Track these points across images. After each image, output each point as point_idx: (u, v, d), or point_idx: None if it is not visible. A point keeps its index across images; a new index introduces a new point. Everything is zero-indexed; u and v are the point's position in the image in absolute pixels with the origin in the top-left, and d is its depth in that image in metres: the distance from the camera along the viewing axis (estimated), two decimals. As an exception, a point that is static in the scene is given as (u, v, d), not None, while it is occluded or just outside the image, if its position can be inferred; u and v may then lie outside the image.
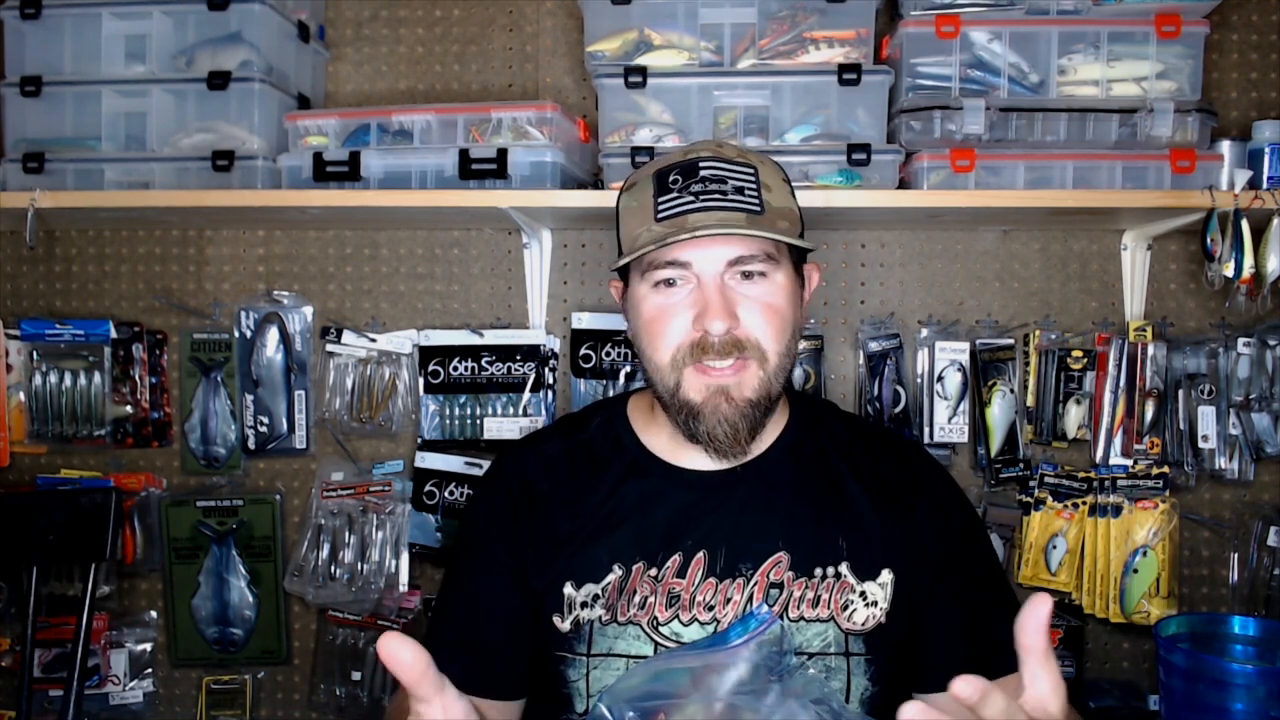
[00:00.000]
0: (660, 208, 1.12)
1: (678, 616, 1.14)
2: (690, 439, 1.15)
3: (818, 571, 1.14)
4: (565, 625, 1.15)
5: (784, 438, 1.23)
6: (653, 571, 1.15)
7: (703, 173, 1.13)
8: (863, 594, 1.14)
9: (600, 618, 1.14)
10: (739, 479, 1.19)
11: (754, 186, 1.13)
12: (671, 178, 1.14)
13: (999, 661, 1.13)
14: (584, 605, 1.15)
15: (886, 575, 1.15)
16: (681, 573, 1.15)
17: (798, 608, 1.13)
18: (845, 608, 1.14)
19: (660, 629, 1.13)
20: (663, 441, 1.22)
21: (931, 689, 1.16)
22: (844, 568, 1.15)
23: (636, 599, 1.14)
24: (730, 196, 1.11)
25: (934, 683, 1.17)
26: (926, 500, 1.21)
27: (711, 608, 1.14)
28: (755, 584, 1.14)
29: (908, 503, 1.20)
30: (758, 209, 1.11)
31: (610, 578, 1.15)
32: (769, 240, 1.11)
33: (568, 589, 1.16)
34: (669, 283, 1.12)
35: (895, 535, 1.17)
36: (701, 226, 1.08)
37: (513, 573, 1.19)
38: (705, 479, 1.19)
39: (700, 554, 1.15)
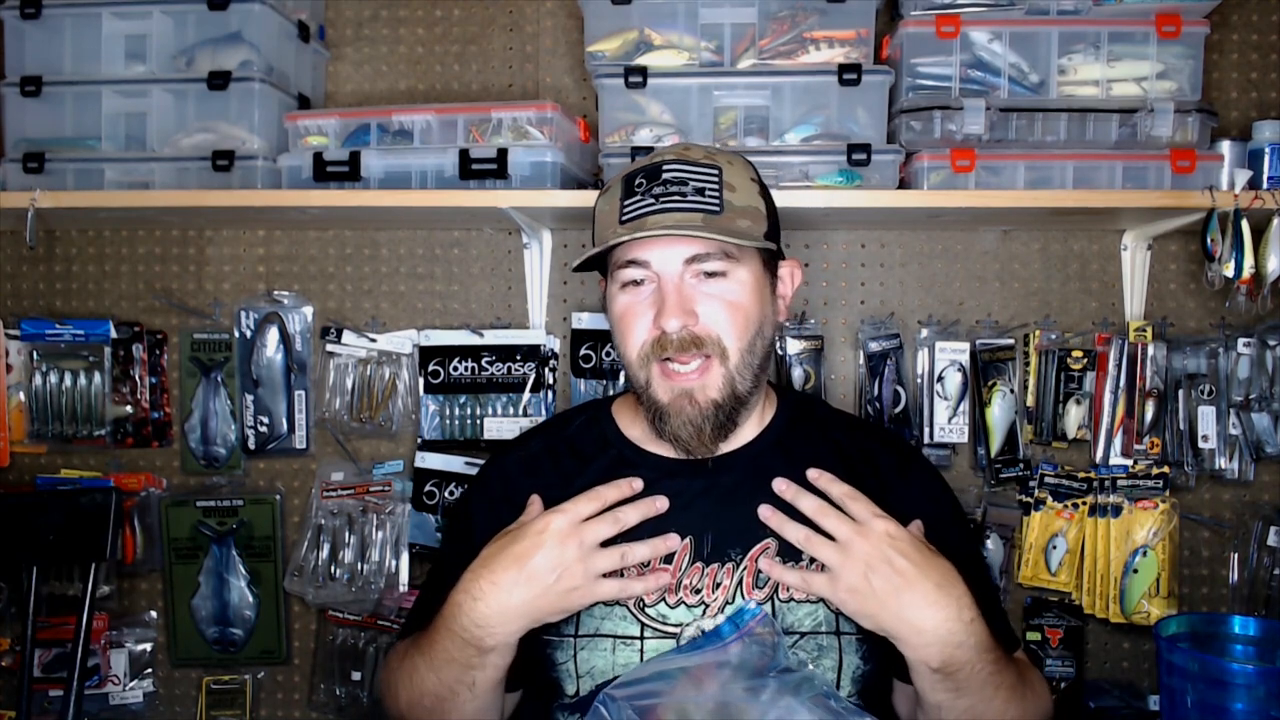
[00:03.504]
0: (624, 210, 1.17)
1: (664, 599, 1.16)
2: (660, 436, 1.19)
3: (804, 555, 1.16)
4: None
5: (771, 428, 1.26)
6: None
7: (665, 175, 1.16)
8: None
9: None
10: (725, 467, 1.21)
11: (715, 187, 1.16)
12: (637, 181, 1.18)
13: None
14: None
15: None
16: (668, 558, 1.16)
17: (787, 590, 1.15)
18: None
19: (647, 610, 1.15)
20: (649, 434, 1.24)
21: (900, 675, 1.19)
22: None
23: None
24: (689, 198, 1.15)
25: (900, 667, 1.19)
26: (909, 487, 1.24)
27: (699, 591, 1.16)
28: (744, 569, 1.16)
29: (891, 488, 1.22)
30: (716, 209, 1.15)
31: None
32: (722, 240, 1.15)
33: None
34: (635, 282, 1.17)
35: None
36: (657, 227, 1.12)
37: None
38: (691, 468, 1.21)
39: (686, 539, 1.17)
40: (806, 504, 1.13)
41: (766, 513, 1.15)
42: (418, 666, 1.16)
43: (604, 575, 1.11)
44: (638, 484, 1.16)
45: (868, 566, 1.07)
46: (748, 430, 1.24)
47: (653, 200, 1.15)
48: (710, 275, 1.15)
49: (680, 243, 1.14)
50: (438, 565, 1.32)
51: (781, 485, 1.15)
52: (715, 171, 1.18)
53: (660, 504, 1.15)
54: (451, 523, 1.33)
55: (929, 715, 1.13)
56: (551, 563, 1.08)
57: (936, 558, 1.10)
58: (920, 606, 1.06)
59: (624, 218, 1.16)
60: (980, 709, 1.10)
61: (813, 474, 1.16)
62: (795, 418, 1.28)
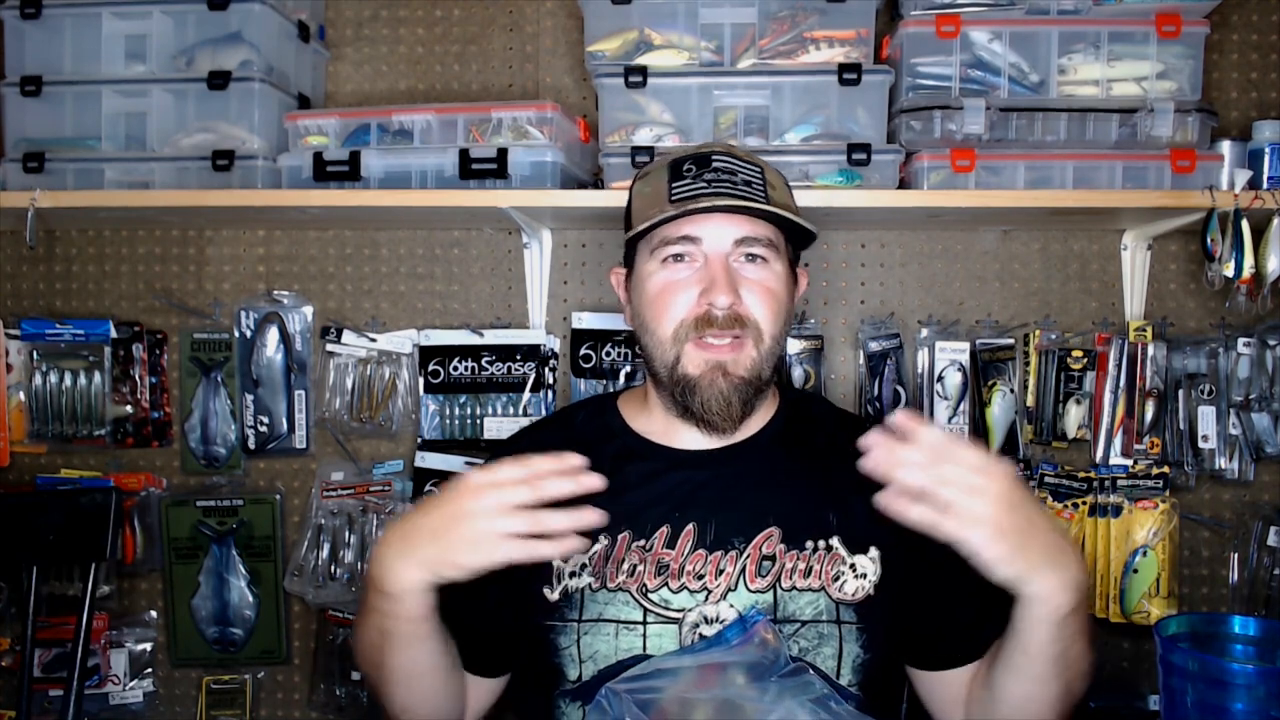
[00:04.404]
0: (674, 191, 1.19)
1: (666, 584, 1.16)
2: (684, 414, 1.20)
3: (809, 544, 1.17)
4: (554, 595, 1.17)
5: (774, 422, 1.27)
6: (640, 542, 1.18)
7: (715, 164, 1.20)
8: (853, 566, 1.17)
9: (590, 585, 1.17)
10: (731, 458, 1.23)
11: (760, 182, 1.20)
12: (686, 166, 1.21)
13: (992, 629, 1.15)
14: (572, 575, 1.18)
15: (875, 551, 1.18)
16: (671, 544, 1.17)
17: (790, 578, 1.16)
18: (836, 579, 1.16)
19: (649, 595, 1.16)
20: (655, 425, 1.26)
21: (931, 665, 1.21)
22: (835, 541, 1.18)
23: (625, 566, 1.17)
24: (739, 187, 1.18)
25: (930, 657, 1.21)
26: None
27: (701, 577, 1.16)
28: (748, 556, 1.16)
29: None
30: (763, 201, 1.18)
31: (596, 548, 1.18)
32: (773, 225, 1.18)
33: (556, 561, 1.18)
34: (677, 258, 1.19)
35: (881, 514, 1.19)
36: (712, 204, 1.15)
37: None
38: (696, 457, 1.23)
39: (689, 526, 1.18)
40: (910, 454, 0.97)
41: (871, 449, 0.98)
42: (358, 618, 1.18)
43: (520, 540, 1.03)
44: (576, 459, 1.07)
45: (1009, 506, 0.96)
46: (753, 423, 1.25)
47: (704, 185, 1.18)
48: (752, 260, 1.18)
49: (734, 222, 1.17)
50: None
51: (875, 438, 0.97)
52: (759, 169, 1.22)
53: (595, 481, 1.06)
54: None
55: (1025, 675, 1.07)
56: (459, 515, 1.03)
57: None
58: (1056, 545, 0.99)
59: (674, 197, 1.18)
60: (1082, 658, 1.06)
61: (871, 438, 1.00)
62: (795, 414, 1.30)
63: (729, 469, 1.22)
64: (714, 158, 1.21)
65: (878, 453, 0.96)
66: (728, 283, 1.15)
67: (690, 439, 1.23)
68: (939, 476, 0.95)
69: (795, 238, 1.25)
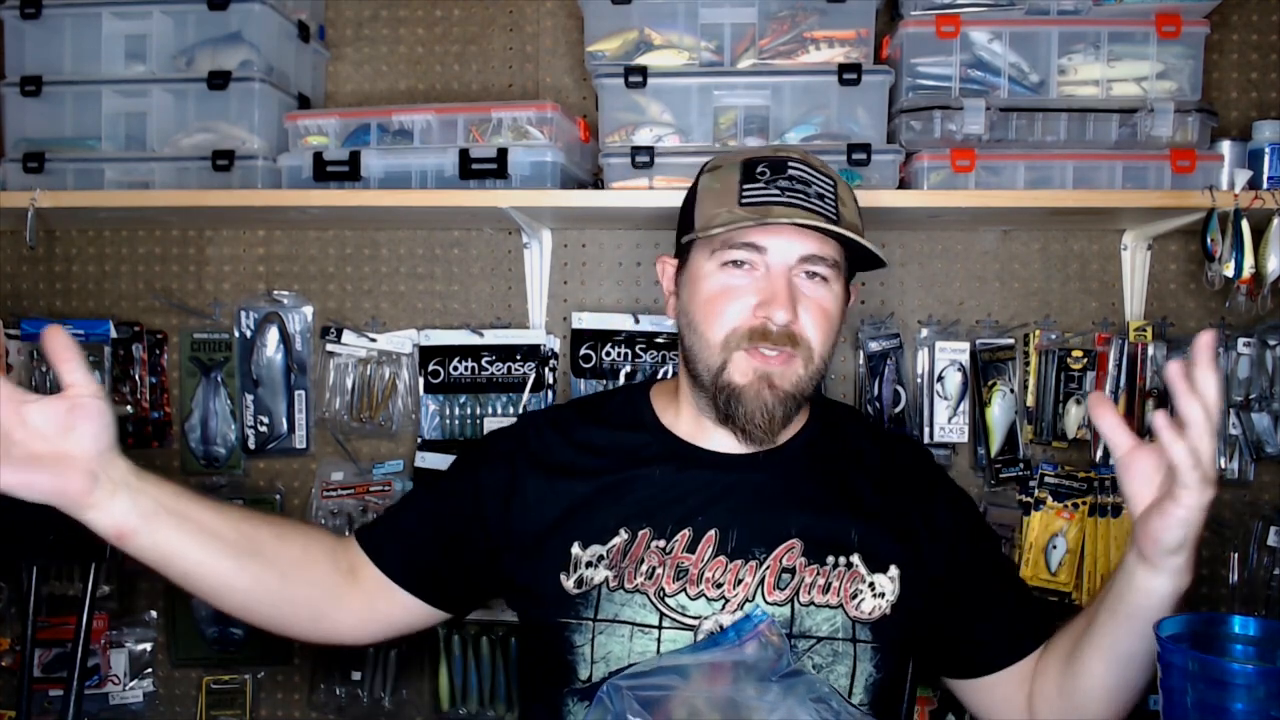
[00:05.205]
0: (745, 193, 1.16)
1: (685, 590, 1.15)
2: (724, 420, 1.18)
3: (829, 559, 1.16)
4: (569, 583, 1.17)
5: (804, 434, 1.26)
6: (660, 543, 1.17)
7: (790, 171, 1.17)
8: (871, 585, 1.16)
9: (608, 580, 1.16)
10: (757, 466, 1.21)
11: (833, 196, 1.17)
12: (759, 169, 1.18)
13: (1029, 640, 1.21)
14: (589, 565, 1.17)
15: (894, 571, 1.18)
16: (691, 548, 1.16)
17: (808, 593, 1.15)
18: (854, 596, 1.16)
19: (667, 600, 1.15)
20: (685, 423, 1.24)
21: (975, 672, 1.22)
22: (856, 558, 1.17)
23: (644, 568, 1.16)
24: (812, 199, 1.15)
25: (973, 664, 1.23)
26: (938, 501, 1.24)
27: (720, 585, 1.15)
28: (768, 567, 1.15)
29: (919, 503, 1.22)
30: (834, 217, 1.15)
31: (615, 541, 1.17)
32: (839, 246, 1.16)
33: (575, 549, 1.17)
34: (738, 264, 1.16)
35: (905, 534, 1.20)
36: (785, 218, 1.12)
37: (456, 496, 1.26)
38: (723, 461, 1.21)
39: (712, 532, 1.17)
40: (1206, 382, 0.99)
41: (1095, 399, 1.12)
42: None
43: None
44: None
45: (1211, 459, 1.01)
46: (784, 432, 1.23)
47: (778, 191, 1.15)
48: (812, 278, 1.16)
49: (803, 238, 1.14)
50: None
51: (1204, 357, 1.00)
52: (832, 182, 1.19)
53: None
54: (466, 449, 1.31)
55: (1130, 660, 1.14)
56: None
57: None
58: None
59: (745, 200, 1.15)
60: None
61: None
62: (826, 426, 1.28)
63: (755, 476, 1.21)
64: (790, 164, 1.17)
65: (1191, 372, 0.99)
66: (788, 299, 1.13)
67: (719, 441, 1.21)
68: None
69: (855, 258, 1.22)
